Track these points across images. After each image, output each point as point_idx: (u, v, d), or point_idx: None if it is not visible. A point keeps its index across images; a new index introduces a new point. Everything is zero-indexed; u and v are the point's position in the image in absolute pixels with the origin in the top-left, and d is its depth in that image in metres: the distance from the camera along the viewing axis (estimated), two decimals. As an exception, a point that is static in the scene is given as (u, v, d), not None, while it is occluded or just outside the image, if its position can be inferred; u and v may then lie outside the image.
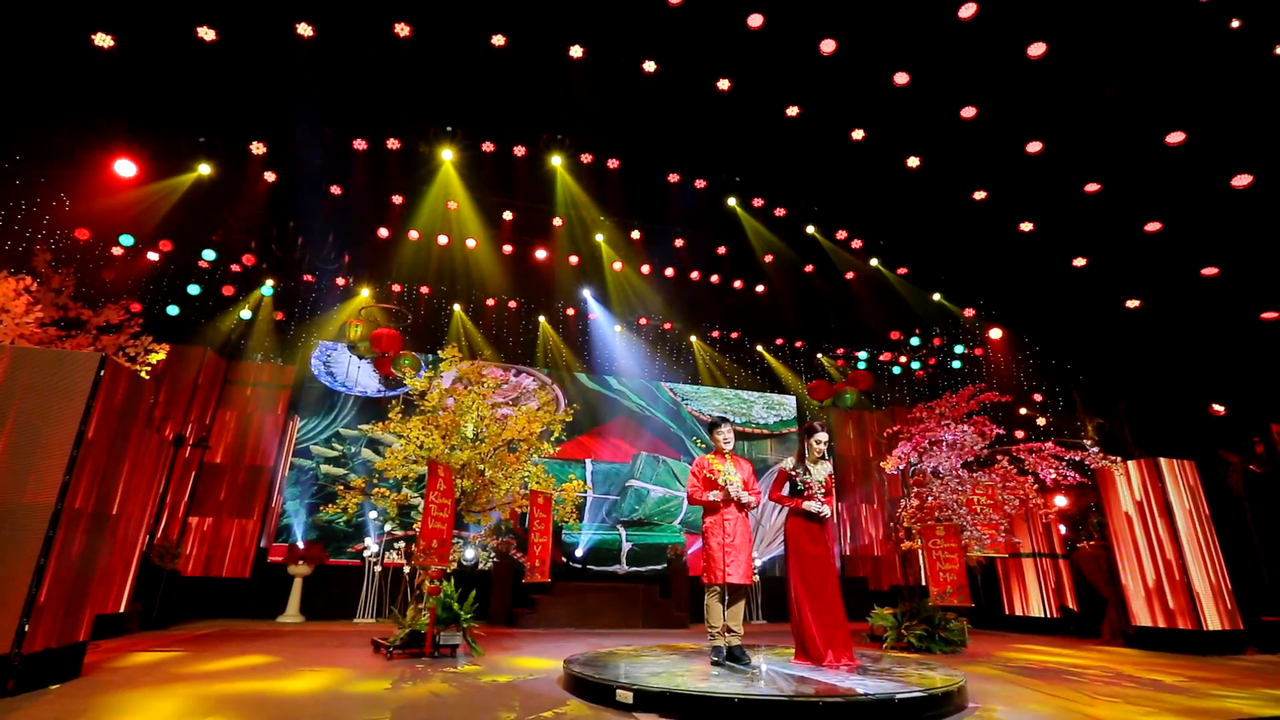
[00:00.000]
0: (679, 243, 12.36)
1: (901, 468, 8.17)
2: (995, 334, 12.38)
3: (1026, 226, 10.11)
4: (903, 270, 12.19)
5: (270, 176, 9.69)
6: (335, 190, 10.28)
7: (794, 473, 5.41)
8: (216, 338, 10.51)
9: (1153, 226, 9.13)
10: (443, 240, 11.49)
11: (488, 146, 9.87)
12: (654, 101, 9.11)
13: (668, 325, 14.41)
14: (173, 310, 9.93)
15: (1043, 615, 10.09)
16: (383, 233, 11.23)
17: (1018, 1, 7.59)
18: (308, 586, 9.85)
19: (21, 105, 7.76)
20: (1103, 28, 7.49)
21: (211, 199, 9.09)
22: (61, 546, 4.29)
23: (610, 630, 9.56)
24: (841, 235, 11.88)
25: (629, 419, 13.80)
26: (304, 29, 7.85)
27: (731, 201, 11.29)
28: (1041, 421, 11.67)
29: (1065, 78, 8.12)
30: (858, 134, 9.28)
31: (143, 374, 7.10)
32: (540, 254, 12.02)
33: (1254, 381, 8.76)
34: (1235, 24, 7.24)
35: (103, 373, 4.68)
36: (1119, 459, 8.33)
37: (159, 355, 7.49)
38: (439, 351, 7.25)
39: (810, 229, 11.85)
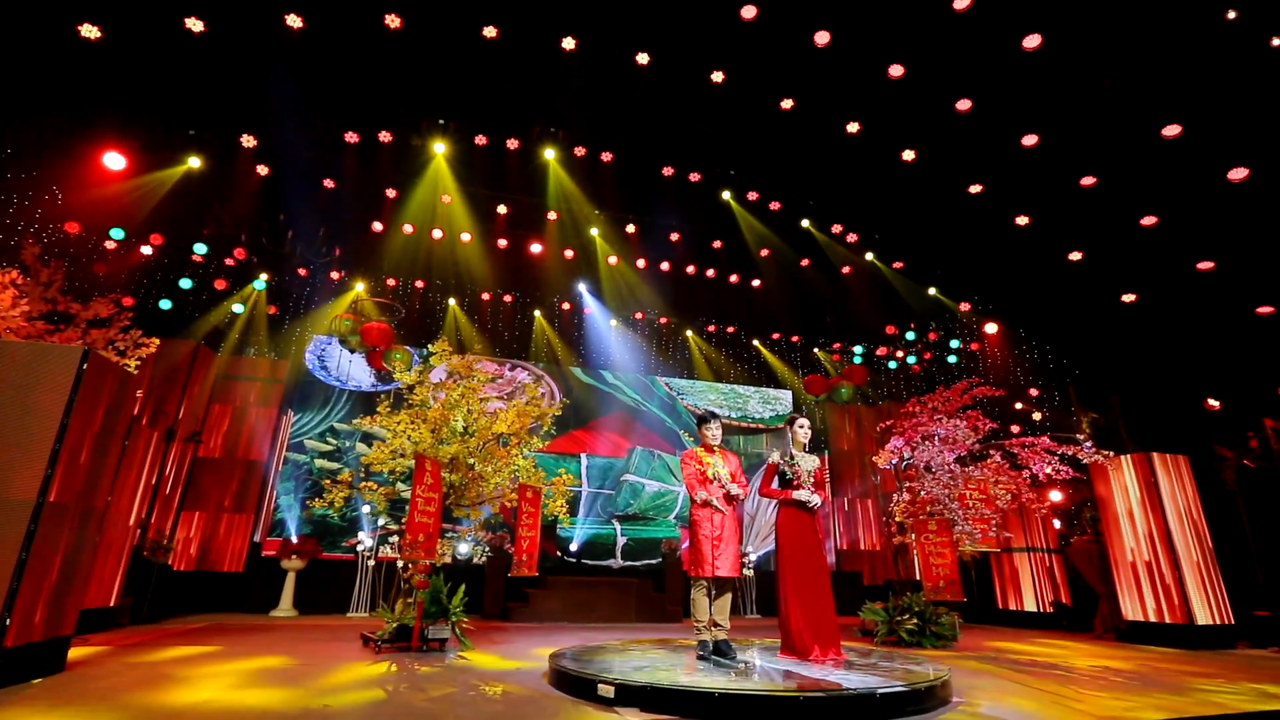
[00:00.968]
0: (674, 237, 12.32)
1: (894, 462, 8.15)
2: (991, 329, 12.35)
3: (1022, 220, 10.07)
4: (899, 264, 12.15)
5: (261, 169, 9.65)
6: (328, 183, 10.23)
7: (782, 464, 5.38)
8: (209, 332, 10.48)
9: (1148, 220, 9.09)
10: (437, 234, 11.45)
11: (480, 140, 9.82)
12: (647, 94, 9.06)
13: (664, 320, 14.38)
14: (165, 304, 9.90)
15: (1036, 610, 10.09)
16: (376, 226, 11.19)
17: (1012, -7, 7.53)
18: (302, 581, 9.85)
19: (9, 97, 7.71)
20: (1099, 19, 7.43)
21: (202, 192, 9.05)
22: (43, 541, 4.27)
23: (603, 624, 9.56)
24: (837, 229, 11.83)
25: (624, 414, 13.78)
26: (293, 20, 7.80)
27: (726, 195, 11.25)
28: (1037, 416, 11.65)
29: (1061, 70, 8.05)
30: (853, 127, 9.22)
31: (132, 368, 7.08)
32: (535, 248, 11.98)
33: (1249, 376, 8.72)
34: (1231, 15, 7.18)
35: (85, 366, 4.65)
36: (1111, 453, 8.31)
37: (149, 349, 7.46)
38: (429, 346, 7.23)
39: (805, 223, 11.81)
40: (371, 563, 10.01)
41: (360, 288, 11.80)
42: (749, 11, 7.84)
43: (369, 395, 11.75)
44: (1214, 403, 9.65)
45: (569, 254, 12.25)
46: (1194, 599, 7.60)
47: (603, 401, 13.48)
